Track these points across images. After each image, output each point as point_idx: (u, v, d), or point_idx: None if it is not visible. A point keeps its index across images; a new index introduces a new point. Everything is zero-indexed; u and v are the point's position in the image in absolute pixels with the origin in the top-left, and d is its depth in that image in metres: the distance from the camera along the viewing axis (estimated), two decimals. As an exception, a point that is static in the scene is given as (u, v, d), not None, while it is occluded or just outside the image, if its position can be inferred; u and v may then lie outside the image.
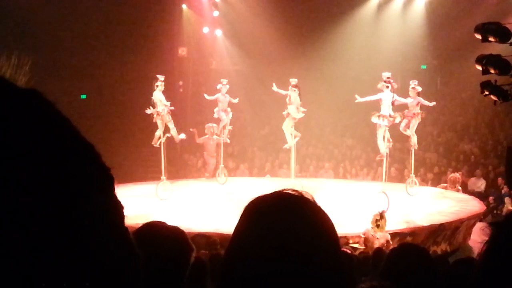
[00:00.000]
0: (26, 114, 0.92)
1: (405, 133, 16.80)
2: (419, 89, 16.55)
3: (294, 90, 17.34)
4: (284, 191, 1.38)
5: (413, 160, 17.52)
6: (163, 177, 17.27)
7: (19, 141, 0.89)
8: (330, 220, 1.38)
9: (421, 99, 16.53)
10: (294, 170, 18.35)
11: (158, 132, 17.23)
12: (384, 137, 16.11)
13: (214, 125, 20.70)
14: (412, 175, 17.42)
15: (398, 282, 3.28)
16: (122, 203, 1.05)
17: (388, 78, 15.89)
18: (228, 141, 19.45)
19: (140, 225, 2.59)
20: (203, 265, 5.66)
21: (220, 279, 1.36)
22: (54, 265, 0.88)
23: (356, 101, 16.18)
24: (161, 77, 17.20)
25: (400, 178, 20.69)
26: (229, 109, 18.73)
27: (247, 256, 1.29)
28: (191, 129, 20.54)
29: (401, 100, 16.07)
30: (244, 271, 1.29)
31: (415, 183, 17.36)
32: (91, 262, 0.91)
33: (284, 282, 1.25)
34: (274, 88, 17.75)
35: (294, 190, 1.39)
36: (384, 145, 16.17)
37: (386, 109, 15.73)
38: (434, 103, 16.77)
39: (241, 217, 1.36)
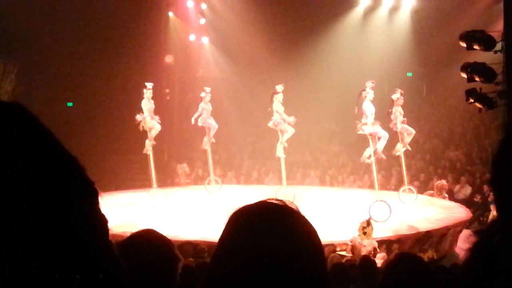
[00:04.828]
0: (8, 128, 0.91)
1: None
2: (394, 97, 16.72)
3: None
4: (268, 200, 1.40)
5: (405, 167, 17.67)
6: (154, 185, 17.37)
7: (1, 155, 0.88)
8: (314, 229, 1.39)
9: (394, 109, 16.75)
10: (284, 178, 18.29)
11: (155, 132, 17.37)
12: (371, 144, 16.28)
13: (185, 165, 21.05)
14: (406, 182, 17.54)
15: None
16: (109, 211, 1.05)
17: (370, 87, 16.11)
18: (208, 147, 19.34)
19: (127, 234, 2.59)
20: (192, 273, 5.65)
21: (205, 287, 1.36)
22: (37, 279, 0.88)
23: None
24: (149, 85, 17.27)
25: (387, 185, 20.78)
26: (211, 117, 18.73)
27: (231, 265, 1.30)
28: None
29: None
30: (228, 280, 1.30)
31: (412, 191, 17.45)
32: (73, 274, 0.91)
33: None
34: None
35: (278, 200, 1.40)
36: (371, 152, 16.28)
37: (364, 117, 15.97)
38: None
39: (225, 226, 1.37)
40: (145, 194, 17.31)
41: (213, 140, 19.10)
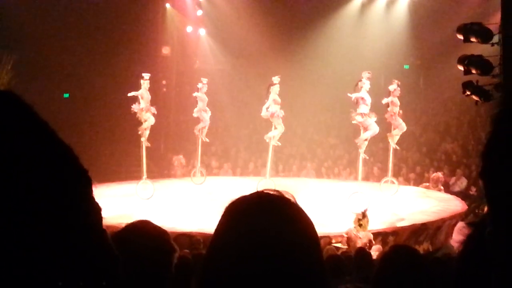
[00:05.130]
0: (1, 116, 0.91)
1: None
2: (391, 88, 16.79)
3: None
4: (265, 191, 1.39)
5: (391, 159, 17.77)
6: (144, 176, 17.38)
7: None
8: (310, 221, 1.39)
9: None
10: (269, 170, 18.36)
11: (147, 124, 17.40)
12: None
13: (181, 156, 21.13)
14: (390, 174, 17.63)
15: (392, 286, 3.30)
16: (105, 203, 1.05)
17: (366, 78, 16.21)
18: (207, 140, 19.41)
19: (123, 225, 2.59)
20: (188, 264, 5.66)
21: (200, 278, 1.36)
22: (28, 268, 0.88)
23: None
24: (146, 76, 17.31)
25: (383, 177, 20.82)
26: (207, 108, 18.75)
27: (227, 256, 1.30)
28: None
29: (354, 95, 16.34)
30: (224, 271, 1.30)
31: (393, 182, 17.56)
32: (68, 263, 0.91)
33: (264, 282, 1.26)
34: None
35: (274, 190, 1.40)
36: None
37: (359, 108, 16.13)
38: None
39: (221, 217, 1.37)
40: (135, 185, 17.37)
41: (196, 132, 19.17)
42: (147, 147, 17.73)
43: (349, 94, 16.18)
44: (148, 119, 17.27)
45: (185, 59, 27.69)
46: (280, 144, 17.99)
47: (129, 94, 17.29)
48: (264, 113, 17.39)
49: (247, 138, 26.08)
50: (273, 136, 17.56)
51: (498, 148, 1.18)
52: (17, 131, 0.93)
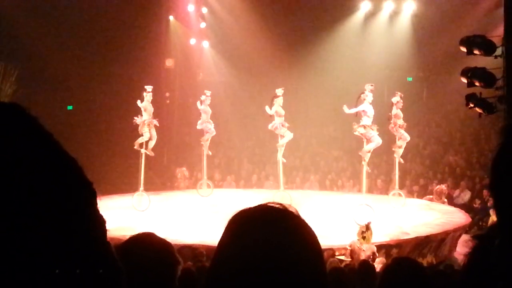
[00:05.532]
0: (7, 128, 0.91)
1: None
2: (394, 101, 16.85)
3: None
4: (268, 204, 1.39)
5: (397, 171, 17.78)
6: (141, 188, 17.40)
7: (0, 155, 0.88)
8: (314, 234, 1.38)
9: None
10: (282, 182, 18.29)
11: (141, 140, 17.41)
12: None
13: (184, 168, 21.15)
14: (397, 187, 17.67)
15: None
16: (109, 215, 1.04)
17: (369, 90, 16.24)
18: (210, 153, 19.43)
19: (126, 237, 2.59)
20: (191, 277, 5.65)
21: (204, 291, 1.36)
22: (36, 276, 0.88)
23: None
24: (149, 88, 17.38)
25: (386, 190, 20.79)
26: (210, 120, 18.79)
27: (231, 268, 1.30)
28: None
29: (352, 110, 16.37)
30: (227, 283, 1.29)
31: (400, 195, 17.58)
32: (73, 276, 0.91)
33: None
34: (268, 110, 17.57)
35: (278, 203, 1.40)
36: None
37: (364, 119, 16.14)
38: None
39: (225, 230, 1.37)
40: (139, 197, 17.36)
41: (202, 143, 19.19)
42: (150, 159, 17.76)
43: (345, 109, 16.23)
44: (144, 134, 17.30)
45: (189, 72, 27.72)
46: (284, 160, 17.96)
47: (138, 102, 17.37)
48: (269, 121, 17.46)
49: (250, 150, 26.09)
50: (283, 144, 17.57)
51: (507, 160, 1.18)
52: (22, 142, 0.93)
